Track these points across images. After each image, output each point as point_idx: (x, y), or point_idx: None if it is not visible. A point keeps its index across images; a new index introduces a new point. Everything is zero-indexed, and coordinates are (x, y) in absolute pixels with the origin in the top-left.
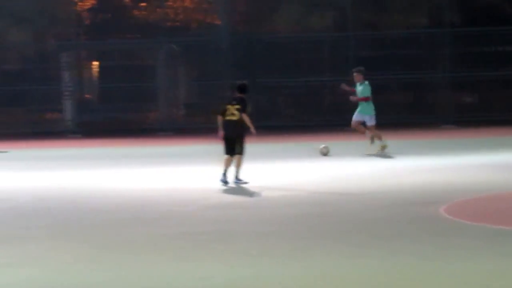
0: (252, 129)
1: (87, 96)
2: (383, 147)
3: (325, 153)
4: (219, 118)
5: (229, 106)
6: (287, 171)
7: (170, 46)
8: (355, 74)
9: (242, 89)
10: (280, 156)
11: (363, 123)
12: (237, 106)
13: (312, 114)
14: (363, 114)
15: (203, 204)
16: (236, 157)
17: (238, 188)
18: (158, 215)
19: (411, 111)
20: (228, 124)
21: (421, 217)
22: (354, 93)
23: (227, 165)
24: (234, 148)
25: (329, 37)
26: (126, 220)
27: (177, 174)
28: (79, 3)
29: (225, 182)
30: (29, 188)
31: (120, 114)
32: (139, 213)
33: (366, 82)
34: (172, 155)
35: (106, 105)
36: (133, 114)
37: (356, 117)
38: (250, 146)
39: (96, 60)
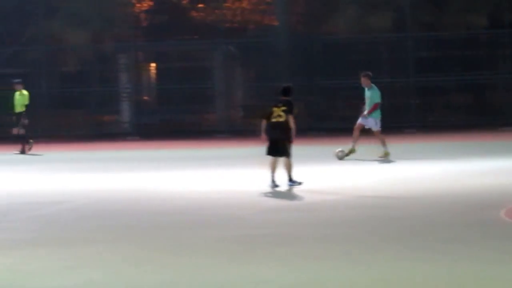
0: (293, 132)
1: (144, 98)
2: (386, 154)
3: (340, 157)
4: (263, 121)
5: (275, 109)
6: (344, 174)
7: (227, 48)
8: (362, 78)
9: (286, 91)
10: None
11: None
12: (283, 108)
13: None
14: (369, 117)
15: (261, 207)
16: (283, 159)
17: (295, 191)
18: (217, 217)
19: (470, 112)
20: (274, 126)
21: (481, 221)
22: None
23: (274, 167)
24: (278, 150)
25: (388, 38)
26: (184, 222)
27: (234, 176)
28: (137, 5)
29: (275, 185)
30: (87, 190)
31: (177, 116)
32: (198, 216)
33: (374, 87)
34: (229, 157)
35: (163, 107)
36: (190, 116)
37: (361, 120)
38: (306, 148)
39: (154, 62)
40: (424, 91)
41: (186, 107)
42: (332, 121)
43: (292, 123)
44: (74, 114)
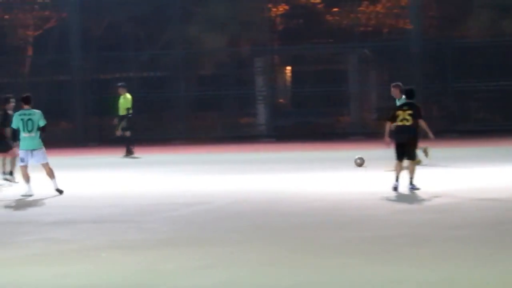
0: (431, 134)
1: (280, 100)
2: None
3: (360, 164)
4: (388, 124)
5: (400, 112)
6: (478, 176)
7: (362, 51)
8: (392, 88)
9: (411, 94)
10: (472, 160)
11: None
12: (410, 111)
13: (505, 119)
14: None
15: (390, 209)
16: (409, 162)
17: (419, 193)
18: (349, 218)
19: None
20: (401, 130)
21: None
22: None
23: (399, 170)
24: (404, 153)
25: None
26: (319, 223)
27: (366, 178)
28: (273, 9)
29: (395, 188)
30: (224, 191)
31: (312, 118)
32: (331, 217)
33: (404, 97)
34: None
35: (299, 110)
36: (325, 119)
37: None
38: (441, 151)
39: (289, 65)
40: None
41: (321, 110)
42: (465, 123)
43: (425, 127)
44: (211, 116)
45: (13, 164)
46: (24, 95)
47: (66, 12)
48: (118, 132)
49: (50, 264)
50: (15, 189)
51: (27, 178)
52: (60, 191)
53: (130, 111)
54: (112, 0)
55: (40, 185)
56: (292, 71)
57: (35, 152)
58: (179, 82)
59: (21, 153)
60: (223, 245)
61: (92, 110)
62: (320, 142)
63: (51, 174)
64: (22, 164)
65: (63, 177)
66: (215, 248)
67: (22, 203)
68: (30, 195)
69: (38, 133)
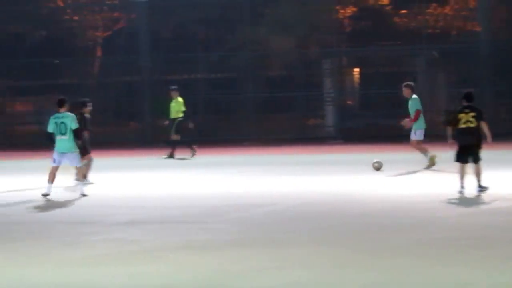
0: (490, 137)
1: (348, 102)
2: (432, 163)
3: (377, 168)
4: (449, 128)
5: (462, 115)
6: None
7: (430, 53)
8: (403, 88)
9: (470, 97)
10: None
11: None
12: (472, 114)
13: None
14: (414, 128)
15: (457, 210)
16: (475, 165)
17: (484, 196)
18: (416, 220)
19: None
20: (464, 132)
21: None
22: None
23: (463, 173)
24: (469, 156)
25: None
26: (386, 225)
27: (430, 180)
28: (341, 11)
29: (463, 191)
30: (293, 192)
31: (380, 120)
32: (398, 218)
33: (415, 96)
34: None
35: (367, 111)
36: (393, 120)
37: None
38: (508, 153)
39: (357, 67)
40: None
41: (388, 112)
42: None
43: (486, 129)
44: (280, 118)
45: (88, 167)
46: (59, 98)
47: (134, 13)
48: (173, 135)
49: (120, 264)
50: (94, 189)
51: (52, 179)
52: (84, 195)
53: (181, 115)
54: (181, 1)
55: (109, 186)
56: (360, 73)
57: (68, 155)
58: (248, 83)
59: (54, 154)
60: (291, 246)
61: (160, 111)
62: (387, 143)
63: (81, 178)
64: (53, 164)
65: (132, 178)
66: (284, 250)
67: (91, 204)
68: (47, 194)
69: (72, 136)
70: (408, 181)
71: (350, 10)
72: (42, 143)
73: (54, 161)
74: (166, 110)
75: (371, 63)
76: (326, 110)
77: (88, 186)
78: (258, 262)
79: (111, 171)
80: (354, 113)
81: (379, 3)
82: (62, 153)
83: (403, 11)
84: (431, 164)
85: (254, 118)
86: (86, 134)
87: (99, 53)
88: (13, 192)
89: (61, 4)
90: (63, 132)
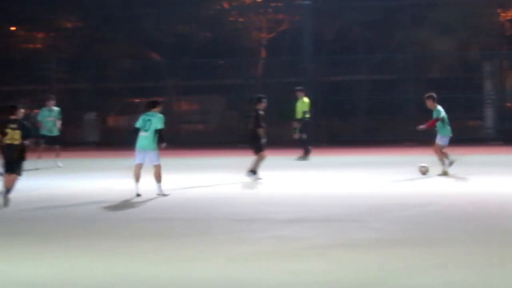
0: None
1: (508, 104)
2: (446, 170)
3: (424, 172)
4: None
5: None
6: None
7: None
8: (426, 100)
9: None
10: None
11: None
12: None
13: None
14: (439, 135)
15: None
16: None
17: None
18: None
19: None
20: None
21: None
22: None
23: None
24: None
25: None
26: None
27: None
28: (501, 14)
29: None
30: (452, 192)
31: None
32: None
33: (438, 107)
34: None
35: None
36: None
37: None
38: None
39: None
40: None
41: None
42: None
43: None
44: None
45: (258, 162)
46: (152, 100)
47: (299, 15)
48: (297, 135)
49: (283, 260)
50: (260, 187)
51: (137, 177)
52: (164, 195)
53: (307, 115)
54: (345, 4)
55: (274, 184)
56: None
57: (148, 153)
58: (409, 84)
59: (136, 151)
60: (452, 245)
61: (322, 111)
62: None
63: (158, 177)
64: (136, 162)
65: (295, 176)
66: (444, 249)
67: (254, 201)
68: (138, 195)
69: (154, 135)
70: None
71: (511, 14)
72: (130, 137)
73: (136, 159)
74: (340, 110)
75: None
76: (486, 112)
77: (257, 181)
78: (419, 260)
79: (273, 169)
80: None
81: None
82: (142, 151)
83: None
84: (443, 173)
85: (414, 119)
86: (260, 131)
87: (263, 54)
88: (181, 190)
89: (226, 6)
90: (146, 129)
